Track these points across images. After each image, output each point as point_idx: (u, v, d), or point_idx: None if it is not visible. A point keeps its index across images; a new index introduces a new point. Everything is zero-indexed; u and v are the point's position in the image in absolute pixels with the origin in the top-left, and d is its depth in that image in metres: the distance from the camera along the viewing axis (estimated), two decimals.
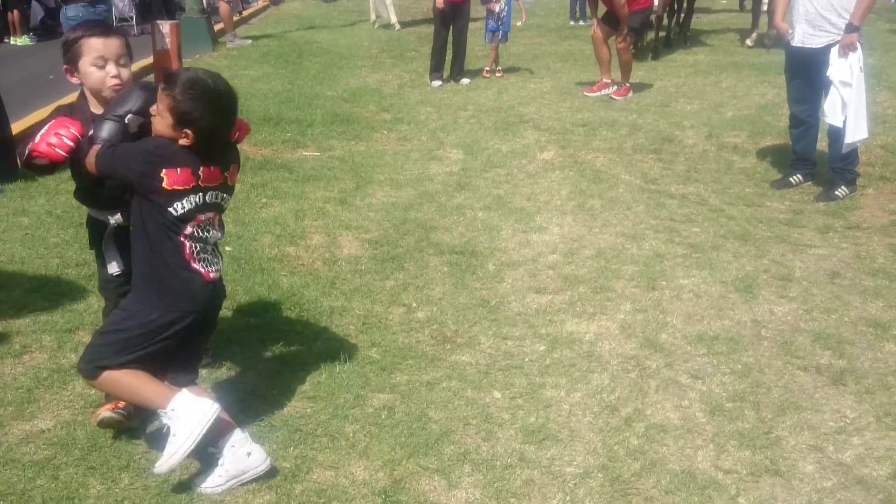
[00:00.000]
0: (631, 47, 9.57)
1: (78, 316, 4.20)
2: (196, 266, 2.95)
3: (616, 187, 6.49)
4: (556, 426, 3.51)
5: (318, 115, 8.49)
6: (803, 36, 6.15)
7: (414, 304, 4.58)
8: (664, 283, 4.85)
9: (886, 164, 6.82)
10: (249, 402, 3.56)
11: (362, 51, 12.77)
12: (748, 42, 12.31)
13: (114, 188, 3.03)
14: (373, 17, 15.25)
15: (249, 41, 12.88)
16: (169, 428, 2.90)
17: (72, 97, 3.35)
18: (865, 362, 4.02)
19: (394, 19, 14.84)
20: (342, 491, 3.05)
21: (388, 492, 3.06)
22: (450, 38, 10.47)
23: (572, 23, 15.07)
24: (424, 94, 9.94)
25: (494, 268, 5.07)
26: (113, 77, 3.07)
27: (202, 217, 2.95)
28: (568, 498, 3.08)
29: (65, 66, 3.14)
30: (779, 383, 3.84)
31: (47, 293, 4.43)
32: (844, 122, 6.00)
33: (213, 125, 2.86)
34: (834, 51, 5.97)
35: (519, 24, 12.28)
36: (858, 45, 5.92)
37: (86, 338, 3.96)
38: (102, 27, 3.17)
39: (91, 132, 2.94)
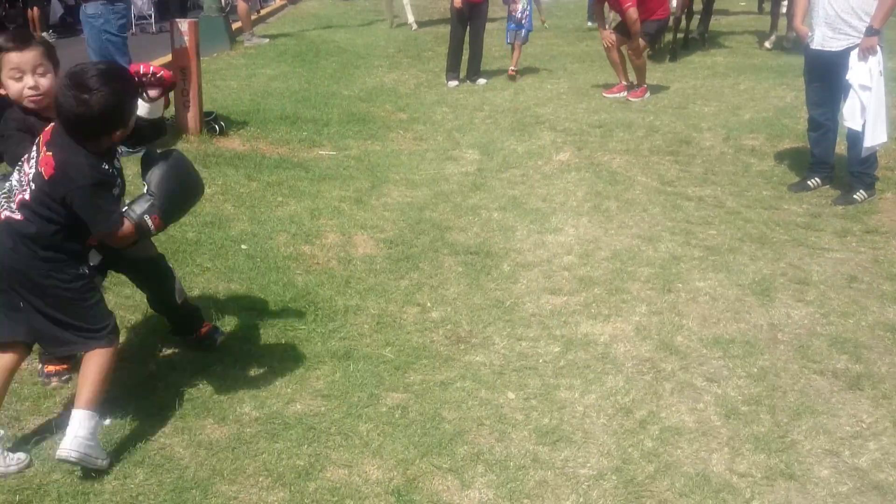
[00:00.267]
0: (647, 51, 9.55)
1: None
2: None
3: (632, 189, 6.47)
4: (570, 427, 3.50)
5: (334, 114, 8.51)
6: (823, 39, 6.11)
7: (428, 304, 4.58)
8: (680, 285, 4.83)
9: None
10: (263, 399, 3.57)
11: (379, 50, 12.78)
12: (767, 44, 12.24)
13: None
14: (390, 17, 15.26)
15: (267, 40, 12.92)
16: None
17: None
18: (882, 367, 3.99)
19: (411, 18, 14.84)
20: (355, 489, 3.06)
21: (402, 491, 3.06)
22: (466, 38, 10.47)
23: (590, 24, 14.99)
24: (441, 94, 9.95)
25: (509, 268, 5.06)
26: (30, 88, 3.21)
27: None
28: (581, 500, 3.08)
29: None
30: (795, 387, 3.82)
31: None
32: (863, 125, 5.96)
33: None
34: (853, 54, 5.93)
35: (545, 24, 12.30)
36: (879, 48, 5.87)
37: None
38: (17, 40, 3.26)
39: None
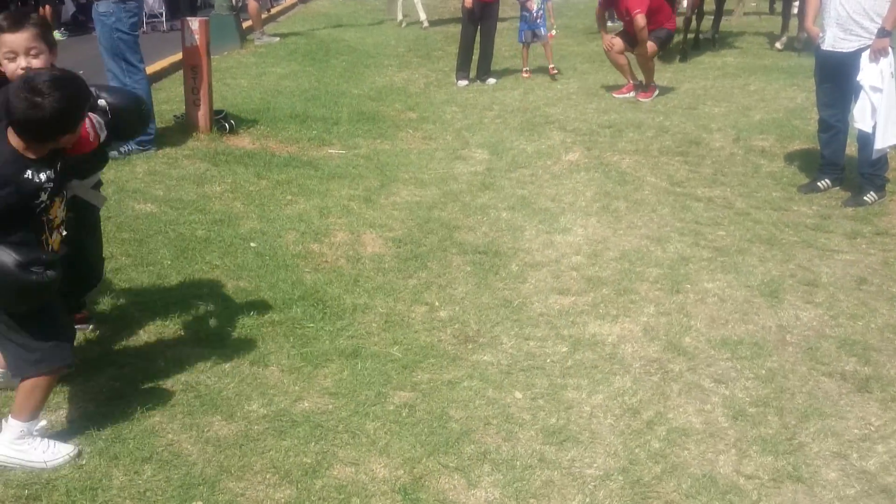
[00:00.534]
0: (658, 52, 9.54)
1: (101, 308, 4.25)
2: None
3: (641, 189, 6.46)
4: (577, 428, 3.50)
5: (344, 113, 8.53)
6: (834, 40, 6.09)
7: (436, 303, 4.59)
8: (688, 286, 4.82)
9: None
10: (271, 397, 3.59)
11: (389, 49, 12.79)
12: (778, 45, 12.19)
13: None
14: (399, 16, 15.27)
15: (277, 39, 12.94)
16: None
17: None
18: (891, 370, 3.98)
19: (423, 17, 14.83)
20: (362, 487, 3.06)
21: (408, 489, 3.06)
22: (477, 38, 10.46)
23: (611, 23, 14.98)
24: (450, 94, 9.95)
25: (517, 268, 5.06)
26: (23, 69, 3.23)
27: None
28: (588, 500, 3.08)
29: None
30: (803, 389, 3.81)
31: None
32: (874, 127, 5.94)
33: None
34: (865, 55, 5.91)
35: (554, 32, 12.27)
36: (890, 49, 5.85)
37: (109, 331, 4.02)
38: (12, 21, 3.28)
39: None
